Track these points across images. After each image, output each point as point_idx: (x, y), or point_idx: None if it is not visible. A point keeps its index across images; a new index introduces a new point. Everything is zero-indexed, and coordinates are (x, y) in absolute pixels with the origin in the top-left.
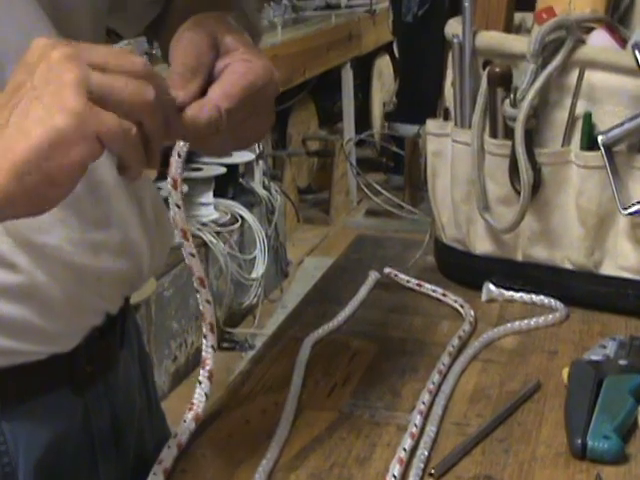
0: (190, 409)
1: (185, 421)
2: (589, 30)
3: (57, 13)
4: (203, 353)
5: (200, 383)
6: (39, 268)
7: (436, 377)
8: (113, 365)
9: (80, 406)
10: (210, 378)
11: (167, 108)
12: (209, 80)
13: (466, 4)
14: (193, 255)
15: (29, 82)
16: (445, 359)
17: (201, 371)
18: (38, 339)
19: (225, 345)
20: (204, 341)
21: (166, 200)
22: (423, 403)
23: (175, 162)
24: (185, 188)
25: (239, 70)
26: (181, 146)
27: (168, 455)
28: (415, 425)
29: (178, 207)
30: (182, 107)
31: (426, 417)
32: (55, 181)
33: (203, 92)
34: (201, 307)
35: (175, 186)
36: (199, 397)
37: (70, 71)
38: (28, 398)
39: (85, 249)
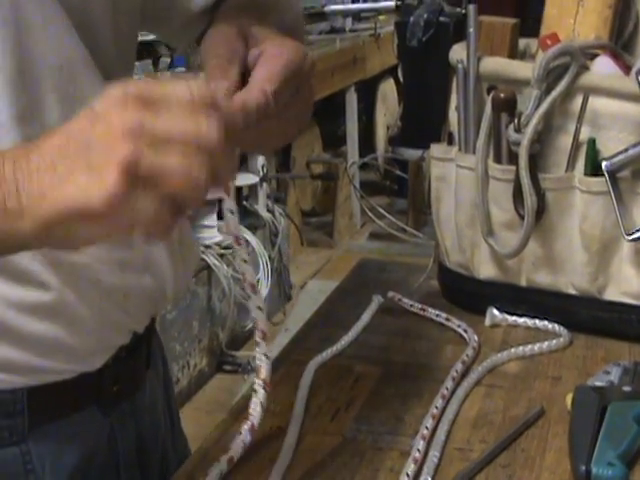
0: (246, 420)
1: (240, 433)
2: (593, 56)
3: (84, 26)
4: (257, 362)
5: (256, 392)
6: (69, 286)
7: (439, 402)
8: (139, 385)
9: (106, 426)
10: (265, 387)
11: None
12: (244, 70)
13: (470, 30)
14: (245, 261)
15: (87, 135)
16: (449, 384)
17: (256, 380)
18: (67, 357)
19: (227, 368)
20: (257, 349)
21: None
22: (426, 428)
23: (230, 220)
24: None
25: (275, 53)
26: (231, 202)
27: (215, 470)
28: (418, 450)
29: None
30: (229, 95)
31: (429, 442)
32: (79, 239)
33: (241, 83)
34: (253, 314)
35: (238, 243)
36: (254, 407)
37: (123, 150)
38: (55, 418)
39: (112, 267)
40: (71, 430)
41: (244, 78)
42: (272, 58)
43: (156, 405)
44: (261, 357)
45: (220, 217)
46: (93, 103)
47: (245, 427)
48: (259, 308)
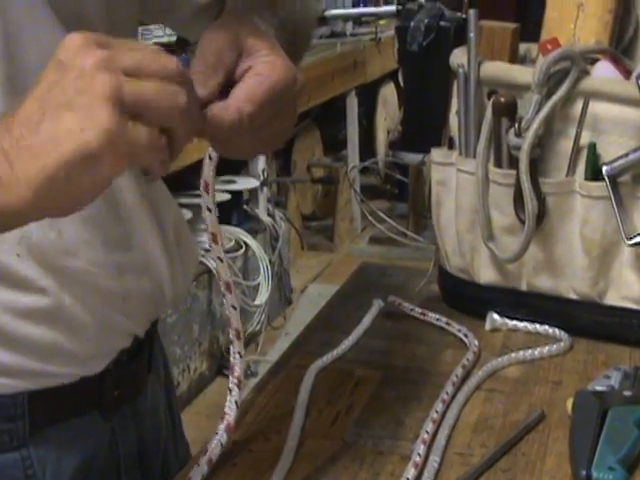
0: (222, 419)
1: (217, 433)
2: (593, 61)
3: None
4: (231, 359)
5: (230, 391)
6: (66, 291)
7: (440, 406)
8: (141, 389)
9: (107, 431)
10: (239, 385)
11: (193, 107)
12: (231, 81)
13: (471, 34)
14: (221, 260)
15: (60, 84)
16: (449, 388)
17: (230, 378)
18: (67, 361)
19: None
20: (231, 347)
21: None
22: (427, 432)
23: (207, 165)
24: (213, 194)
25: (262, 72)
26: (211, 150)
27: (197, 473)
28: (419, 455)
29: (209, 210)
30: (203, 104)
31: (430, 447)
32: (82, 190)
33: (225, 92)
34: (227, 312)
35: (207, 189)
36: (230, 405)
37: (103, 83)
38: (56, 423)
39: (109, 270)
40: (72, 434)
41: (228, 89)
42: (258, 78)
43: (157, 409)
44: (235, 355)
45: (220, 220)
46: (55, 55)
47: (221, 426)
48: (233, 307)
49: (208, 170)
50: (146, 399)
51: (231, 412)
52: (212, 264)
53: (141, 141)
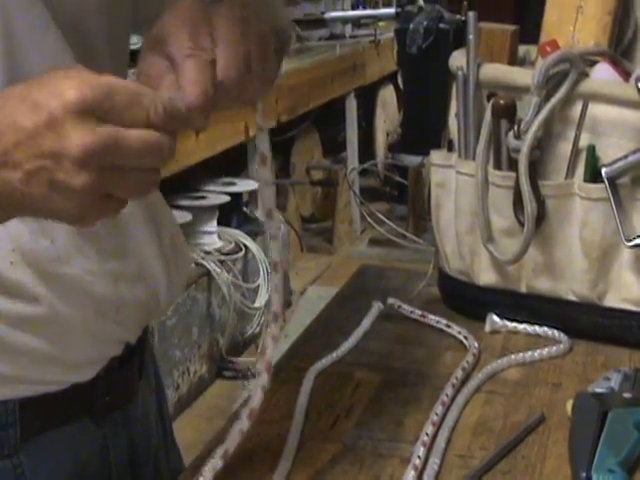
0: (245, 404)
1: (239, 418)
2: (592, 63)
3: (77, 35)
4: (263, 342)
5: (260, 374)
6: (59, 299)
7: (439, 409)
8: (132, 396)
9: (99, 437)
10: (269, 370)
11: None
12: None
13: (470, 37)
14: (276, 290)
15: (39, 142)
16: (449, 390)
17: (259, 360)
18: (58, 368)
19: (227, 374)
20: (267, 330)
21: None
22: (427, 435)
23: (273, 245)
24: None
25: (233, 39)
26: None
27: (209, 465)
28: (418, 457)
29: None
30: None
31: (429, 449)
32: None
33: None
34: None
35: (276, 269)
36: (254, 388)
37: (81, 181)
38: (47, 430)
39: (104, 279)
40: (63, 441)
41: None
42: (229, 38)
43: (148, 416)
44: (269, 339)
45: (219, 223)
46: (43, 92)
47: (243, 414)
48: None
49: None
50: (137, 406)
51: (257, 395)
52: (212, 266)
53: (123, 189)
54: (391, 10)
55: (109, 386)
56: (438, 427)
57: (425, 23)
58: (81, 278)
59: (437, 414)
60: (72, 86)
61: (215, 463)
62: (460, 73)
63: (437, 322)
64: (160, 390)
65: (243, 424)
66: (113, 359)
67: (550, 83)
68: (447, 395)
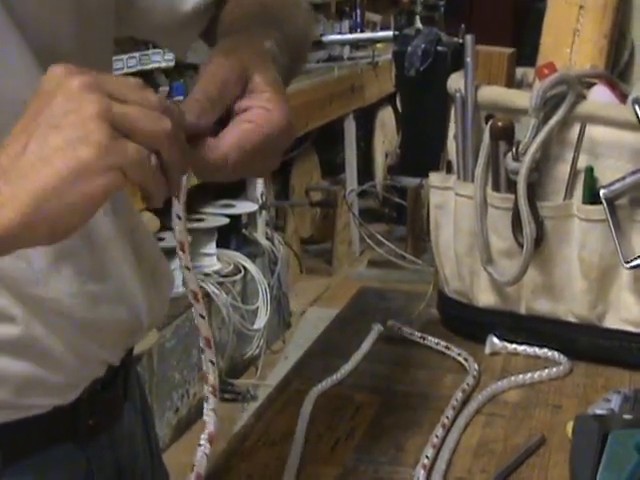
0: (192, 470)
1: (200, 445)
2: (590, 85)
3: (49, 57)
4: (205, 417)
5: (200, 445)
6: (37, 320)
7: (440, 431)
8: (116, 418)
9: (83, 460)
10: (211, 442)
11: (180, 135)
12: (227, 113)
13: (468, 59)
14: (202, 317)
15: (47, 110)
16: (449, 413)
17: (202, 435)
18: (39, 392)
19: (227, 396)
20: (205, 405)
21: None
22: (427, 457)
23: (177, 225)
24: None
25: (258, 121)
26: (179, 207)
27: None
28: None
29: (188, 269)
30: (193, 135)
31: (430, 472)
32: (75, 210)
33: (217, 122)
34: (204, 367)
35: (183, 249)
36: (208, 414)
37: (92, 102)
38: (30, 453)
39: (83, 301)
40: (47, 465)
41: (221, 120)
42: (253, 126)
43: (134, 437)
44: (209, 413)
45: (218, 245)
46: (39, 87)
47: (203, 437)
48: (211, 362)
49: (180, 231)
50: (122, 427)
51: (210, 420)
52: (211, 288)
53: (132, 154)
54: (389, 33)
55: (92, 409)
56: (438, 450)
57: (423, 46)
58: (59, 300)
59: (437, 436)
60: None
61: None
62: (458, 95)
63: (437, 344)
64: (147, 411)
65: (206, 449)
66: (96, 381)
67: (548, 105)
68: (448, 417)
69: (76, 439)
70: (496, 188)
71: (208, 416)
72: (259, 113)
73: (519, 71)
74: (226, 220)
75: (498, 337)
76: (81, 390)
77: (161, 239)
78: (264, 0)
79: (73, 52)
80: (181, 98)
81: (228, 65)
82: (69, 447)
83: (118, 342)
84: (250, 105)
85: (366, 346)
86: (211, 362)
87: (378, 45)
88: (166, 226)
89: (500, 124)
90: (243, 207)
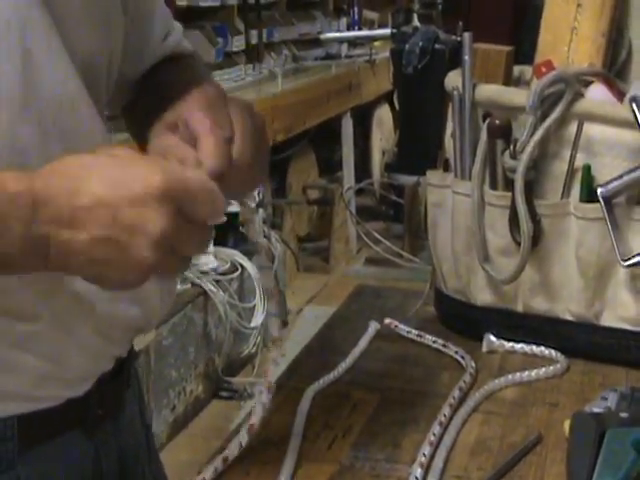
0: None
1: (239, 432)
2: (587, 83)
3: (84, 63)
4: (253, 407)
5: (238, 432)
6: (58, 319)
7: (437, 429)
8: (121, 406)
9: (91, 447)
10: (250, 431)
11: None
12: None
13: (466, 57)
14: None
15: (118, 212)
16: (446, 410)
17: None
18: (54, 386)
19: (224, 394)
20: (257, 398)
21: None
22: (424, 455)
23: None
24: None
25: (240, 120)
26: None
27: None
28: (416, 478)
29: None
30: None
31: (427, 470)
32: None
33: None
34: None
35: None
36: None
37: (158, 219)
38: (42, 442)
39: (104, 299)
40: (57, 453)
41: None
42: (243, 124)
43: (135, 424)
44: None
45: (215, 243)
46: (126, 172)
47: (244, 425)
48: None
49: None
50: (125, 415)
51: (258, 412)
52: (208, 286)
53: (169, 270)
54: (386, 31)
55: (101, 398)
56: (435, 447)
57: (420, 43)
58: (82, 298)
59: (434, 434)
60: (156, 172)
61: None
62: (456, 93)
63: (434, 342)
64: (142, 398)
65: (243, 437)
66: (105, 373)
67: (545, 103)
68: (445, 415)
69: (85, 428)
70: (493, 186)
71: (256, 408)
72: (238, 115)
73: (517, 69)
74: (223, 218)
75: (495, 335)
76: (92, 382)
77: None
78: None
79: (104, 65)
80: None
81: (206, 97)
82: (79, 435)
83: (128, 337)
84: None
85: (363, 344)
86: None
87: (376, 43)
88: None
89: (498, 122)
90: (240, 205)
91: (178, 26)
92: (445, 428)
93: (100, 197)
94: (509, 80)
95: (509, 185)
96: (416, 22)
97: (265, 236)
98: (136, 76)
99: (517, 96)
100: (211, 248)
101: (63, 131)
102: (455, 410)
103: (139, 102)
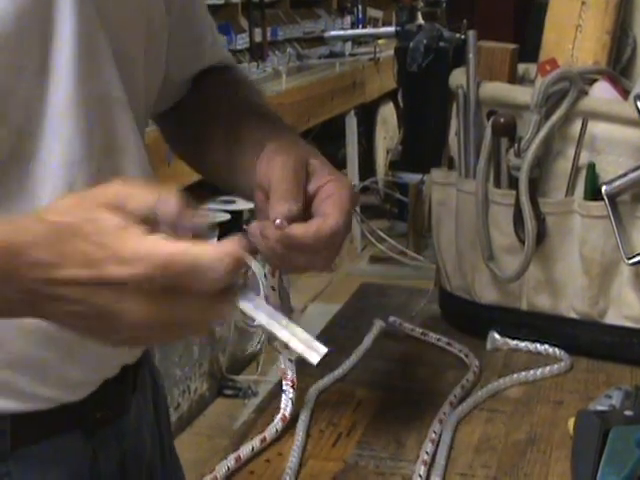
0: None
1: (273, 421)
2: (592, 81)
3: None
4: (282, 365)
5: (272, 421)
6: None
7: (437, 427)
8: (124, 410)
9: (89, 450)
10: (283, 420)
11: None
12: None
13: (470, 55)
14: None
15: (96, 292)
16: (449, 409)
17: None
18: (55, 387)
19: (228, 392)
20: (284, 394)
21: None
22: (427, 453)
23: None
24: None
25: (333, 191)
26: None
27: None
28: (420, 476)
29: (290, 361)
30: (281, 228)
31: (430, 468)
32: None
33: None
34: (283, 365)
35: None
36: (285, 401)
37: (132, 312)
38: (37, 440)
39: None
40: (53, 453)
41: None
42: (335, 195)
43: (142, 429)
44: (286, 362)
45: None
46: (128, 249)
47: (276, 418)
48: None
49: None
50: (129, 419)
51: (287, 407)
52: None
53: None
54: (391, 29)
55: (101, 402)
56: (437, 445)
57: (425, 42)
58: None
59: (435, 432)
60: (137, 254)
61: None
62: (460, 91)
63: (438, 340)
64: (158, 403)
65: (277, 425)
66: (107, 378)
67: (550, 101)
68: (445, 413)
69: (83, 430)
70: (498, 184)
71: (285, 403)
72: (333, 185)
73: (521, 67)
74: (227, 216)
75: (499, 333)
76: (93, 388)
77: None
78: (250, 98)
79: (141, 60)
80: None
81: (291, 161)
82: (76, 436)
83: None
84: (319, 184)
85: (367, 342)
86: (290, 360)
87: (380, 41)
88: None
89: (502, 120)
90: (244, 203)
91: (221, 36)
92: (448, 426)
93: (75, 276)
94: (513, 78)
95: (513, 183)
96: (420, 20)
97: None
98: (184, 77)
99: (521, 94)
100: None
101: (133, 130)
102: (457, 408)
103: (201, 108)
